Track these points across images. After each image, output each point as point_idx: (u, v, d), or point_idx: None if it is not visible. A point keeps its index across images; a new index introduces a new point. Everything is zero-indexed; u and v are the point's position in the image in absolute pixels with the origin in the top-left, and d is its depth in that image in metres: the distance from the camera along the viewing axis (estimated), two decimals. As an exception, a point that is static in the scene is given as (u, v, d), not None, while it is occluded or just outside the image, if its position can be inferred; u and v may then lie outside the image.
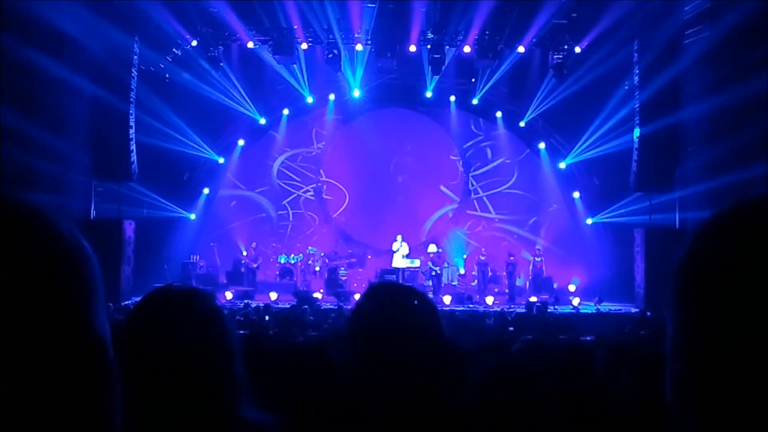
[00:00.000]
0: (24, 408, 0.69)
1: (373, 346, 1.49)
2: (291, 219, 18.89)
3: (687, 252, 0.75)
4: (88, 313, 0.76)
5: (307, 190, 18.94)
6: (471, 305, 14.91)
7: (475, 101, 18.32)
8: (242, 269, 16.59)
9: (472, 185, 18.96)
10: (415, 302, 1.55)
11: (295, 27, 15.65)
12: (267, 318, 9.58)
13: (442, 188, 18.86)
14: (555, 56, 16.05)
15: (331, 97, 18.60)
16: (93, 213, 14.81)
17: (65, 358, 0.72)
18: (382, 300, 1.58)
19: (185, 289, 1.53)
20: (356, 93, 18.08)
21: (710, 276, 0.71)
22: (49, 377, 0.71)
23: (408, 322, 1.50)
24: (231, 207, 18.74)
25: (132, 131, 14.48)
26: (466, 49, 16.12)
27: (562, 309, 14.28)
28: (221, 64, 16.33)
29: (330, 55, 16.15)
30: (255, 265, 16.59)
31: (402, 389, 1.45)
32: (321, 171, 18.94)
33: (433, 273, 16.13)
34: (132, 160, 14.50)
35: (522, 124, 18.37)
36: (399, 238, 16.75)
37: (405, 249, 16.60)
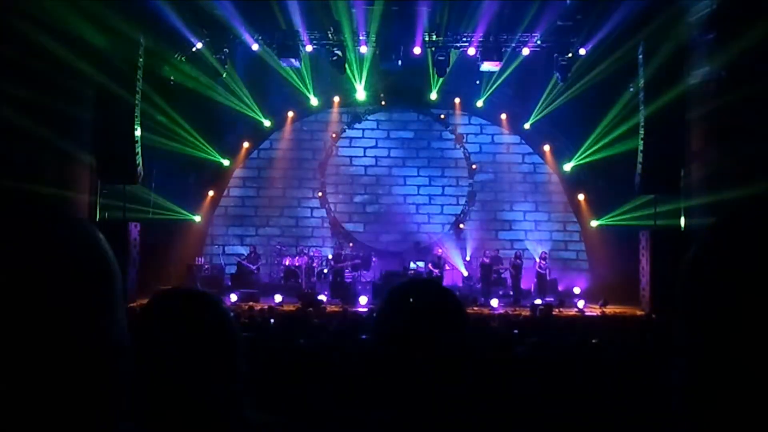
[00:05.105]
0: (34, 403, 0.70)
1: (402, 328, 1.50)
2: (296, 221, 18.93)
3: (693, 253, 0.75)
4: (113, 320, 0.78)
5: (312, 192, 18.97)
6: (475, 307, 14.89)
7: (480, 103, 18.33)
8: (246, 272, 16.64)
9: (477, 187, 18.95)
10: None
11: (300, 29, 15.69)
12: (272, 320, 9.58)
13: (447, 190, 18.86)
14: (560, 58, 16.05)
15: (336, 99, 18.64)
16: (98, 215, 14.85)
17: (85, 363, 0.73)
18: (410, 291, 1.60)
19: (192, 292, 1.53)
20: (361, 95, 18.10)
21: (716, 276, 0.71)
22: (69, 378, 0.72)
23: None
24: (235, 209, 18.79)
25: (137, 133, 14.53)
26: (471, 51, 16.15)
27: (566, 312, 14.25)
28: (226, 66, 16.39)
29: (335, 58, 16.19)
30: (254, 267, 16.66)
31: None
32: (326, 173, 18.97)
33: (437, 275, 16.13)
34: (137, 162, 14.54)
35: (527, 126, 18.37)
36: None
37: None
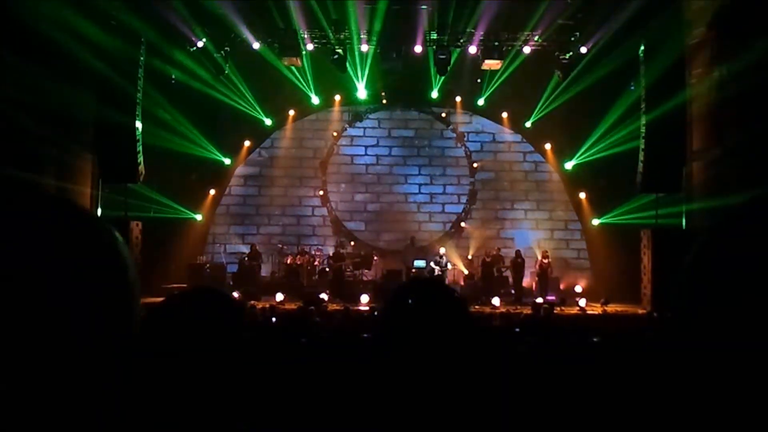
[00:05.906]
0: (41, 400, 0.69)
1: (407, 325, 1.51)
2: (297, 220, 18.93)
3: (694, 253, 0.75)
4: (124, 314, 0.78)
5: (313, 191, 18.97)
6: (477, 306, 14.88)
7: (481, 102, 18.31)
8: (247, 270, 16.66)
9: (478, 185, 18.94)
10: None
11: (301, 28, 15.69)
12: (273, 319, 9.59)
13: (448, 189, 18.85)
14: (561, 57, 16.04)
15: (337, 97, 18.64)
16: (99, 214, 14.86)
17: (92, 359, 0.73)
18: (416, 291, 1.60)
19: (221, 294, 1.52)
20: (362, 94, 18.09)
21: (716, 276, 0.71)
22: (77, 374, 0.71)
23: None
24: (237, 208, 18.80)
25: (139, 132, 14.53)
26: (472, 49, 16.14)
27: (568, 310, 14.23)
28: (227, 64, 16.38)
29: (336, 56, 16.18)
30: (256, 264, 16.69)
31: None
32: (327, 171, 18.97)
33: (438, 274, 16.12)
34: (139, 161, 14.54)
35: (528, 124, 18.36)
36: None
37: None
